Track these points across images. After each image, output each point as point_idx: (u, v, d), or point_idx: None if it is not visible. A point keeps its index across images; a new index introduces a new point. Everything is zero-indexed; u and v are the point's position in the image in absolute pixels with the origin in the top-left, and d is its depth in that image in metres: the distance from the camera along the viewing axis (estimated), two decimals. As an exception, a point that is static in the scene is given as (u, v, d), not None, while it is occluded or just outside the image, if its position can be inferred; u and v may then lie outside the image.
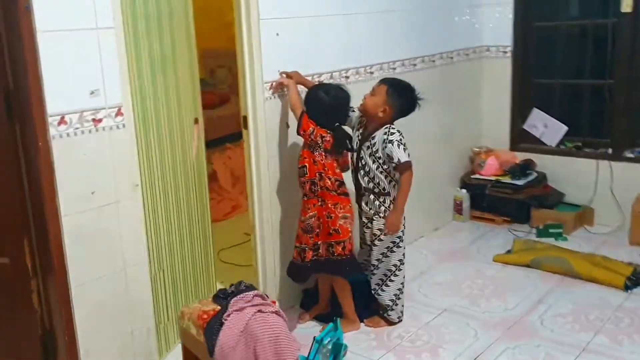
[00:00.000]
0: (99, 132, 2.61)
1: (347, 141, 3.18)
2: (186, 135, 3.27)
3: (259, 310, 2.38)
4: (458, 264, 4.08)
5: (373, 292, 3.36)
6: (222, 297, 2.53)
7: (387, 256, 3.30)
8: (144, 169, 2.93)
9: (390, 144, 3.09)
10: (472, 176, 4.82)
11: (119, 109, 2.66)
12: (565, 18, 4.80)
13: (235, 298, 2.46)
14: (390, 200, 3.23)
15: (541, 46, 4.79)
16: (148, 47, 2.89)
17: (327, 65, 3.56)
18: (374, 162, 3.17)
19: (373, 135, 3.17)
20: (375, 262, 3.31)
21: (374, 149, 3.16)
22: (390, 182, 3.21)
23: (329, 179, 3.12)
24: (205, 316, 2.47)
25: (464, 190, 4.77)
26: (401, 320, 3.37)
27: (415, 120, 4.14)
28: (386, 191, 3.21)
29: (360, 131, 3.27)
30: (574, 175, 4.64)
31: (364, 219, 3.34)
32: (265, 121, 3.28)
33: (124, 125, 2.69)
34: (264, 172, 3.34)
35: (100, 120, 2.60)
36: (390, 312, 3.35)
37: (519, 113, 4.85)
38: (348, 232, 3.19)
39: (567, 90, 4.80)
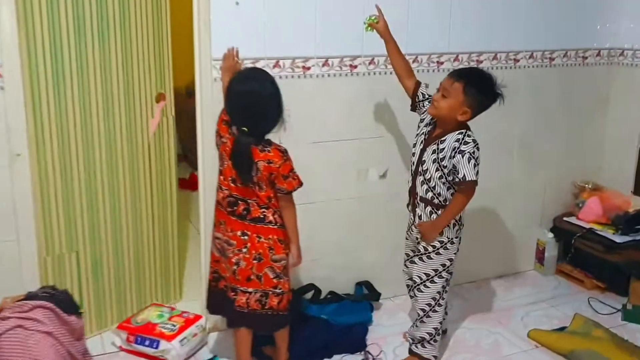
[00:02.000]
0: (-31, 91, 2.41)
1: (243, 161, 2.34)
2: (138, 110, 2.93)
3: (20, 326, 1.96)
4: (479, 329, 3.09)
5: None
6: (29, 297, 2.16)
7: (433, 281, 2.66)
8: (51, 141, 2.66)
9: (461, 155, 2.45)
10: (565, 218, 3.64)
11: (-5, 70, 2.42)
12: None
13: (17, 303, 2.07)
14: None
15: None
16: (73, 7, 2.59)
17: (312, 49, 2.88)
18: (437, 169, 2.52)
19: (443, 139, 2.51)
20: (418, 280, 2.69)
21: (440, 155, 2.50)
22: (453, 194, 2.55)
23: (221, 190, 2.48)
24: (-6, 315, 2.14)
25: (550, 235, 3.63)
26: None
27: (492, 131, 3.23)
28: (447, 203, 2.55)
29: (429, 128, 2.60)
30: None
31: (415, 232, 2.70)
32: (212, 104, 2.77)
33: (2, 88, 2.44)
34: (208, 162, 2.83)
35: (-30, 79, 2.40)
36: (425, 346, 2.72)
37: (653, 146, 3.51)
38: (287, 284, 2.54)
39: None
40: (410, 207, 2.72)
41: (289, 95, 2.83)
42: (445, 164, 2.50)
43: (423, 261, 2.67)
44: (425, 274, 2.67)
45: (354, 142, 3.07)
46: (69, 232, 2.80)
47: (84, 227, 2.84)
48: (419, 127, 2.69)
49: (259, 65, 2.77)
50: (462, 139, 2.48)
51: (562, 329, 3.04)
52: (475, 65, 3.21)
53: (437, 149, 2.52)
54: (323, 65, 2.91)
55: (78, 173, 2.77)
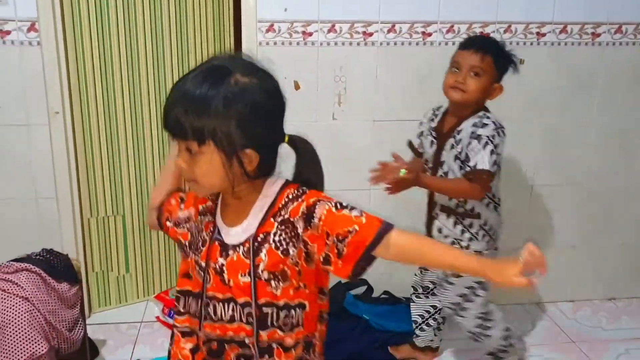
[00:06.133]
0: (6, 45, 2.38)
1: None
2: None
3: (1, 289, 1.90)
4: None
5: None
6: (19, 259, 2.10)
7: (470, 300, 2.24)
8: (96, 100, 2.60)
9: (477, 141, 1.99)
10: None
11: (33, 24, 2.37)
12: None
13: (5, 263, 2.02)
14: (481, 225, 2.14)
15: None
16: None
17: (375, 12, 2.49)
18: (461, 167, 2.06)
19: (459, 129, 2.07)
20: (450, 312, 2.31)
21: (458, 148, 2.06)
22: (483, 199, 2.10)
23: None
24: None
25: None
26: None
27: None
28: (475, 212, 2.13)
29: (434, 124, 2.19)
30: None
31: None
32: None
33: (38, 43, 2.39)
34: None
35: (8, 33, 2.37)
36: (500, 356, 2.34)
37: None
38: None
39: None
40: (426, 224, 2.27)
41: (345, 65, 2.53)
42: (464, 158, 2.03)
43: (446, 288, 2.24)
44: (454, 302, 2.24)
45: (424, 123, 2.65)
46: (114, 194, 2.75)
47: (130, 190, 2.78)
48: (421, 124, 2.25)
49: (310, 28, 2.47)
50: (480, 121, 2.02)
51: (667, 377, 2.42)
52: (577, 40, 2.61)
53: (455, 141, 2.06)
54: (389, 31, 2.51)
55: (125, 135, 2.70)
